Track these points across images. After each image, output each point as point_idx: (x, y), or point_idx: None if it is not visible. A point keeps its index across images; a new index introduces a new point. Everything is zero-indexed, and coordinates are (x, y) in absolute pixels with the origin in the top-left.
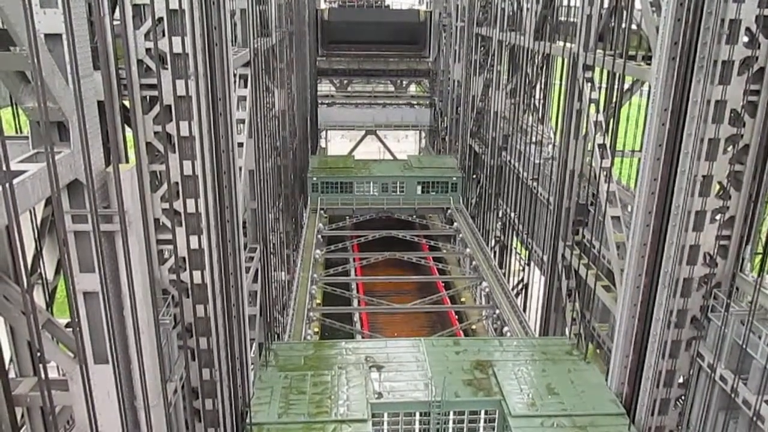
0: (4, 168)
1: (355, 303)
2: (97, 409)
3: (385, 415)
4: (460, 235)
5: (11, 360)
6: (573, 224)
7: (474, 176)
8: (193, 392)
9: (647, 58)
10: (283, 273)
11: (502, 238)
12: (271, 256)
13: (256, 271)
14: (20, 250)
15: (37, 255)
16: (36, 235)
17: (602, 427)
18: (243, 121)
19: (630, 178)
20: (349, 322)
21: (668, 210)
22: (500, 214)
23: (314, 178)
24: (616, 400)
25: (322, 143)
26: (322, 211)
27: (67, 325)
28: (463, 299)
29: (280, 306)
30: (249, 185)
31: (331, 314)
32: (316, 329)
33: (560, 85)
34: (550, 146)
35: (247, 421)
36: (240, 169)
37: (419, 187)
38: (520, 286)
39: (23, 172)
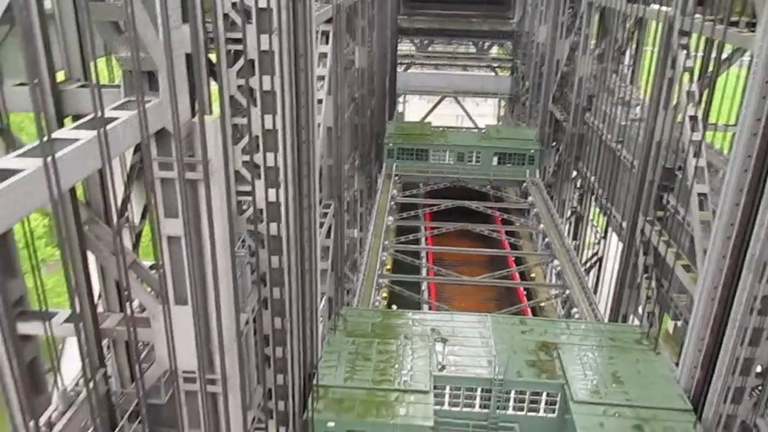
0: (99, 114)
1: (423, 272)
2: (176, 348)
3: (447, 387)
4: (535, 210)
5: (100, 296)
6: (658, 189)
7: (553, 144)
8: (264, 339)
9: (751, 25)
10: (355, 231)
11: (578, 208)
12: (345, 213)
13: (330, 227)
14: (112, 193)
15: (126, 200)
16: (125, 181)
17: (666, 421)
18: (323, 78)
19: (723, 150)
20: (416, 291)
21: (762, 189)
22: (578, 184)
23: (390, 144)
24: (683, 396)
25: (400, 108)
26: (396, 178)
27: (151, 267)
28: (533, 275)
29: (351, 263)
30: (326, 142)
31: (400, 282)
32: (384, 295)
33: (652, 51)
34: (638, 108)
35: (314, 382)
36: (318, 125)
37: (495, 158)
38: (594, 259)
39: (116, 118)
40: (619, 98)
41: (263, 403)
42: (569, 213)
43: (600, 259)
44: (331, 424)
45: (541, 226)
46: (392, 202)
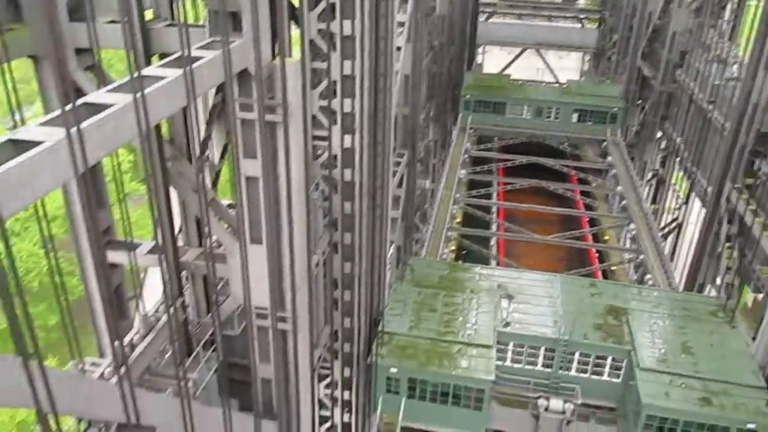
0: (186, 53)
1: (494, 227)
2: (250, 285)
3: (510, 344)
4: (613, 171)
5: (180, 230)
6: (749, 155)
7: (638, 102)
8: (333, 283)
9: None
10: (427, 181)
11: (660, 171)
12: (418, 163)
13: (402, 176)
14: (196, 131)
15: (207, 139)
16: (206, 120)
17: (736, 396)
18: (403, 24)
19: None
20: (485, 246)
21: None
22: (663, 145)
23: (467, 96)
24: (758, 372)
25: (479, 59)
26: (471, 131)
27: (229, 206)
28: (606, 237)
29: (421, 214)
30: (403, 90)
31: (469, 236)
32: (453, 248)
33: (756, 5)
34: (735, 66)
35: (379, 327)
36: (396, 73)
37: (575, 115)
38: (673, 225)
39: (201, 58)
40: (716, 55)
41: (330, 343)
42: (650, 175)
43: (679, 225)
44: (393, 369)
45: (619, 188)
46: (466, 155)
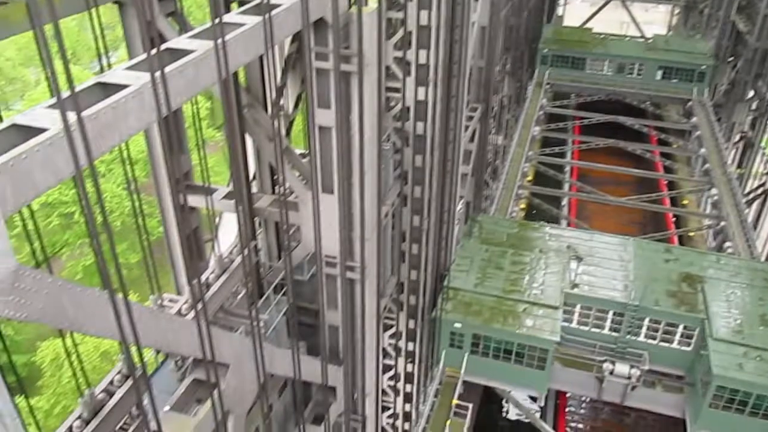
0: (265, 0)
1: (566, 187)
2: (321, 233)
3: (578, 306)
4: (697, 132)
5: (254, 177)
6: None
7: (730, 59)
8: (401, 235)
9: None
10: (499, 137)
11: (749, 133)
12: (491, 118)
13: (474, 131)
14: (273, 79)
15: (282, 88)
16: (282, 69)
17: None
18: None
19: None
20: (556, 205)
21: None
22: (754, 106)
23: (545, 50)
24: None
25: (559, 11)
26: (547, 86)
27: (302, 155)
28: (684, 202)
29: (492, 170)
30: (479, 42)
31: (540, 194)
32: (523, 206)
33: None
34: None
35: (445, 283)
36: (473, 24)
37: (660, 72)
38: (759, 191)
39: (279, 5)
40: None
41: (395, 295)
42: (737, 138)
43: (766, 192)
44: (457, 325)
45: (702, 150)
46: (540, 112)
